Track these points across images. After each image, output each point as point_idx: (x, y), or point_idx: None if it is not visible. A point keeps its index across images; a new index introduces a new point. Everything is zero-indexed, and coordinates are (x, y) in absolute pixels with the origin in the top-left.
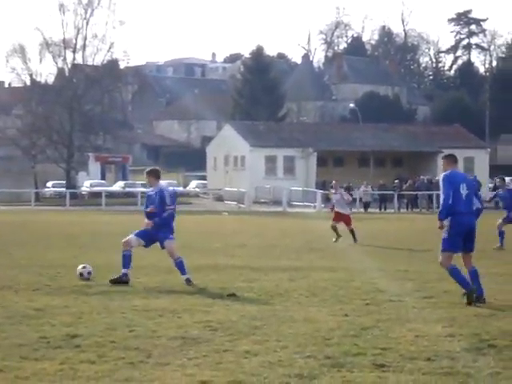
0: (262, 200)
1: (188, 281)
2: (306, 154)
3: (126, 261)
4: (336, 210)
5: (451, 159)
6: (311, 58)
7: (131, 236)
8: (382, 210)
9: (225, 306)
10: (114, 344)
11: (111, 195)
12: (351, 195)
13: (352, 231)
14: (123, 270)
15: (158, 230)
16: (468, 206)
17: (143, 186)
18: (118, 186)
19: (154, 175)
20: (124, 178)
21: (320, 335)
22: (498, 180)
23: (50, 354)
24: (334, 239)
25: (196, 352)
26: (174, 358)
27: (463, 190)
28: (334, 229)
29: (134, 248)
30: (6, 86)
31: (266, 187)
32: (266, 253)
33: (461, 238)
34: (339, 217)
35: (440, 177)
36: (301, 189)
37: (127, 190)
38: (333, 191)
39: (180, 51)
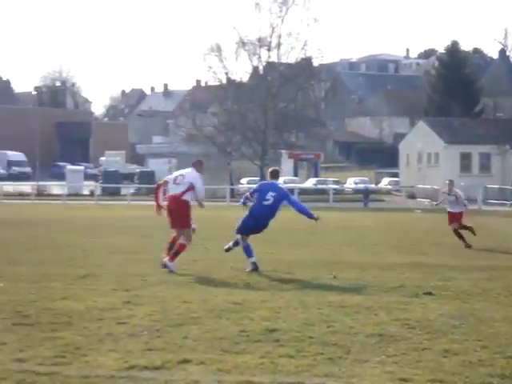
0: None
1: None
2: (503, 151)
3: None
4: (448, 210)
5: None
6: (508, 53)
7: None
8: None
9: (421, 305)
10: (312, 339)
11: (303, 192)
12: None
13: (462, 231)
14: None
15: None
16: None
17: (335, 182)
18: (309, 183)
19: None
20: (316, 174)
21: None
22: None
23: (250, 348)
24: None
25: (395, 350)
26: (372, 355)
27: None
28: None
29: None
30: (203, 84)
31: (461, 184)
32: (461, 251)
33: None
34: (453, 217)
35: None
36: (497, 186)
37: (319, 186)
38: (445, 191)
39: (373, 47)
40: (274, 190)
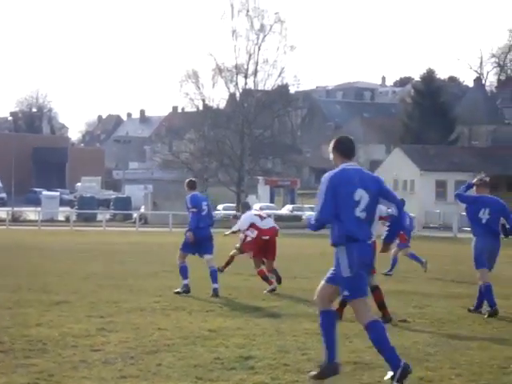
0: (432, 225)
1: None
2: None
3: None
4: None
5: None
6: (483, 82)
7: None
8: None
9: (396, 332)
10: (288, 367)
11: (280, 218)
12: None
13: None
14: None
15: None
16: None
17: (311, 209)
18: (286, 210)
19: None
20: (292, 201)
21: (496, 363)
22: None
23: (224, 375)
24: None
25: (369, 377)
26: (347, 383)
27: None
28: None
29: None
30: (179, 111)
31: (436, 212)
32: (437, 279)
33: None
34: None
35: None
36: None
37: (295, 213)
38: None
39: (349, 75)
40: (205, 199)
